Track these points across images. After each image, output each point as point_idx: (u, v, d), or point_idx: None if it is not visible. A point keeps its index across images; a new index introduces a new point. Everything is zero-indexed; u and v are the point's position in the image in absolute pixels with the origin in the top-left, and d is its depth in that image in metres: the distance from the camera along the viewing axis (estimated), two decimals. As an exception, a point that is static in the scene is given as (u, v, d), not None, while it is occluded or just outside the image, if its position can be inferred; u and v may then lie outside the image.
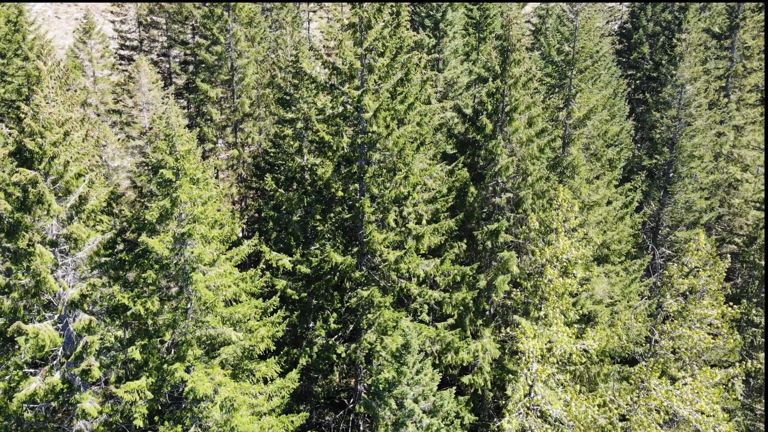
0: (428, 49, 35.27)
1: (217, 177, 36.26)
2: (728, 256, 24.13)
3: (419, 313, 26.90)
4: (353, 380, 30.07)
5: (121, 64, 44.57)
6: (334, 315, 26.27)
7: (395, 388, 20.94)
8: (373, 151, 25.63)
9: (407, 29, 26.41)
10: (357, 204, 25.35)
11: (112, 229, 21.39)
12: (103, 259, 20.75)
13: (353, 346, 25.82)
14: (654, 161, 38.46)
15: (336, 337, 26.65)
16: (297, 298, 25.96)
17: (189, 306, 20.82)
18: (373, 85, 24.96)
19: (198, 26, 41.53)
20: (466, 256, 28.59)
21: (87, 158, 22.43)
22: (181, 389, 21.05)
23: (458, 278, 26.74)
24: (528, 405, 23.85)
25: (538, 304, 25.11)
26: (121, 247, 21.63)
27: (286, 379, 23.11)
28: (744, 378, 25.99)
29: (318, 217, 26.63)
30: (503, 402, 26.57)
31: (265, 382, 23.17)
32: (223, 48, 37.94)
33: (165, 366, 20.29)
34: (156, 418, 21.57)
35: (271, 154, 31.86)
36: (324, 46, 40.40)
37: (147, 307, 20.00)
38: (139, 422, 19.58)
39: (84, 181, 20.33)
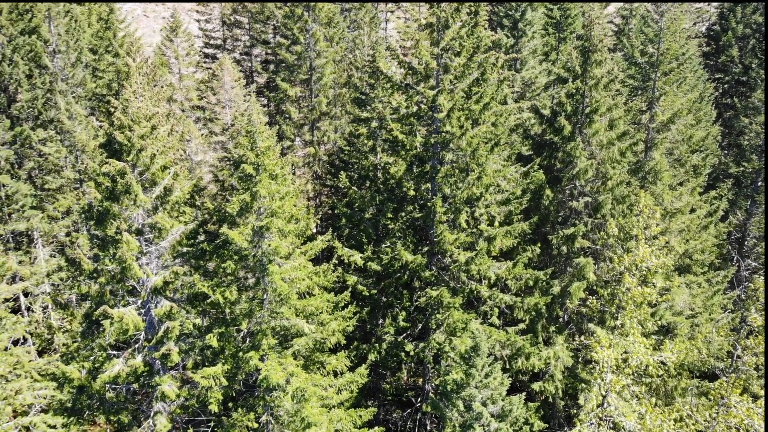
0: (506, 48, 34.82)
1: (293, 173, 36.96)
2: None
3: (489, 316, 26.59)
4: (421, 379, 30.06)
5: (205, 62, 46.13)
6: (403, 313, 26.33)
7: (463, 389, 20.79)
8: (446, 151, 25.53)
9: (485, 29, 26.17)
10: (428, 203, 25.31)
11: (194, 220, 22.19)
12: (185, 249, 21.53)
13: (422, 345, 25.80)
14: (741, 169, 36.68)
15: (405, 335, 26.70)
16: (367, 294, 26.17)
17: (265, 297, 21.34)
18: (448, 84, 24.87)
19: (279, 26, 42.48)
20: (539, 261, 28.04)
21: (172, 152, 23.35)
22: (254, 377, 21.60)
23: (531, 283, 26.28)
24: (600, 416, 23.17)
25: (614, 313, 24.38)
26: (202, 237, 22.39)
27: (355, 373, 23.35)
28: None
29: (389, 215, 26.75)
30: (574, 411, 25.93)
31: (335, 375, 23.48)
32: (303, 48, 38.67)
33: (240, 354, 20.88)
34: (230, 404, 22.23)
35: (346, 153, 32.25)
36: (400, 46, 40.51)
37: (225, 296, 20.62)
38: (214, 407, 20.23)
39: (169, 173, 21.15)
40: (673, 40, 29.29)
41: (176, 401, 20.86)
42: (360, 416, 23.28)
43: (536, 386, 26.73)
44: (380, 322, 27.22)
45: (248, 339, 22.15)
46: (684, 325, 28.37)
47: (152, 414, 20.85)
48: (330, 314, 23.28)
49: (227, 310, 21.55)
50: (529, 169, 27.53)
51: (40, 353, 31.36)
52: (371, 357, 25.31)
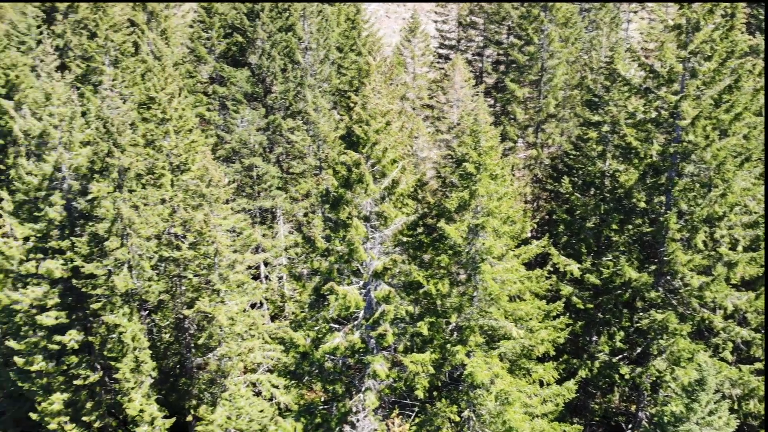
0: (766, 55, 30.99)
1: (513, 175, 36.74)
2: None
3: (720, 350, 24.06)
4: (634, 406, 28.18)
5: (438, 62, 47.65)
6: (621, 333, 24.86)
7: (682, 424, 19.12)
8: (687, 163, 23.51)
9: (741, 32, 23.61)
10: (661, 218, 23.53)
11: (415, 212, 23.16)
12: (404, 239, 22.58)
13: (639, 370, 24.17)
14: None
15: (620, 356, 25.20)
16: (582, 307, 25.15)
17: (475, 294, 21.58)
18: (694, 90, 22.88)
19: (513, 26, 42.35)
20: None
21: (401, 147, 24.55)
22: (459, 372, 21.97)
23: (775, 318, 23.23)
24: None
25: None
26: (420, 230, 23.28)
27: (562, 387, 22.62)
28: None
29: (614, 226, 25.37)
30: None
31: (541, 384, 22.97)
32: (536, 48, 38.14)
33: (448, 346, 21.38)
34: (434, 393, 22.89)
35: (571, 157, 31.21)
36: (642, 48, 38.07)
37: (438, 288, 21.24)
38: (419, 393, 21.00)
39: (397, 166, 22.27)
40: None
41: (385, 381, 22.00)
42: (564, 431, 22.52)
43: (770, 435, 23.62)
44: (594, 338, 26.01)
45: (456, 333, 22.57)
46: None
47: (363, 389, 22.23)
48: (540, 322, 22.80)
49: (438, 302, 22.15)
50: (786, 191, 24.28)
51: (272, 318, 35.07)
52: (581, 373, 24.31)
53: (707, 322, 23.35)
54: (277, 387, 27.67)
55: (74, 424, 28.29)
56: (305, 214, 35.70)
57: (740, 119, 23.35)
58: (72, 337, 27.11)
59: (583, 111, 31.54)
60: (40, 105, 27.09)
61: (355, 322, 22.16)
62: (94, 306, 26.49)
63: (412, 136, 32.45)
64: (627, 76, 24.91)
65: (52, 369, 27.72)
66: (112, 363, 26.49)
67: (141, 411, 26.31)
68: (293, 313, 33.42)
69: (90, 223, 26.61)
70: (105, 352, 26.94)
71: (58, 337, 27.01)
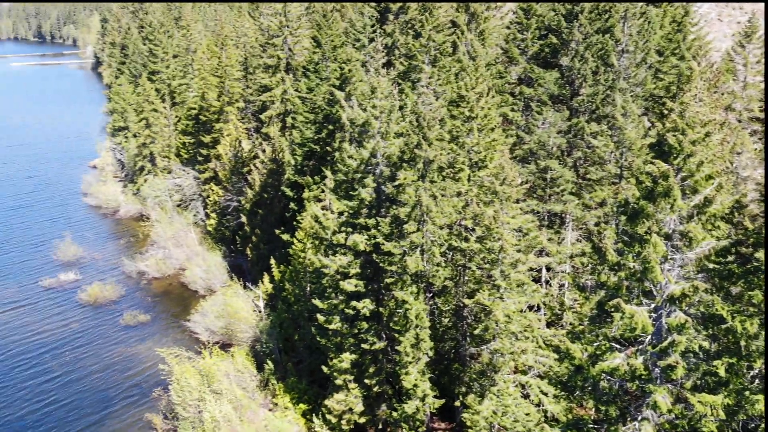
0: None
1: None
2: None
3: None
4: None
5: (776, 71, 41.51)
6: None
7: None
8: None
9: None
10: None
11: (727, 237, 20.63)
12: (710, 265, 20.28)
13: None
14: None
15: None
16: None
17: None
18: None
19: None
20: None
21: (719, 162, 21.99)
22: (755, 424, 19.16)
23: None
24: None
25: None
26: (732, 258, 20.67)
27: None
28: None
29: None
30: None
31: None
32: None
33: (747, 393, 18.77)
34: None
35: None
36: None
37: (745, 327, 18.70)
38: (704, 437, 18.86)
39: (712, 183, 20.04)
40: None
41: (666, 415, 20.16)
42: None
43: None
44: None
45: (757, 380, 19.65)
46: None
47: (640, 418, 20.69)
48: None
49: (743, 343, 19.50)
50: None
51: (548, 324, 34.50)
52: None
53: None
54: (546, 394, 27.25)
55: (357, 384, 31.49)
56: (597, 224, 34.24)
57: None
58: (366, 305, 30.12)
59: None
60: (366, 97, 30.34)
61: (640, 347, 20.65)
62: (388, 280, 29.04)
63: (734, 152, 28.88)
64: None
65: (345, 330, 31.14)
66: (396, 335, 28.78)
67: (415, 386, 28.17)
68: (571, 323, 32.46)
69: (394, 207, 29.13)
70: (391, 324, 29.37)
71: (354, 303, 30.23)
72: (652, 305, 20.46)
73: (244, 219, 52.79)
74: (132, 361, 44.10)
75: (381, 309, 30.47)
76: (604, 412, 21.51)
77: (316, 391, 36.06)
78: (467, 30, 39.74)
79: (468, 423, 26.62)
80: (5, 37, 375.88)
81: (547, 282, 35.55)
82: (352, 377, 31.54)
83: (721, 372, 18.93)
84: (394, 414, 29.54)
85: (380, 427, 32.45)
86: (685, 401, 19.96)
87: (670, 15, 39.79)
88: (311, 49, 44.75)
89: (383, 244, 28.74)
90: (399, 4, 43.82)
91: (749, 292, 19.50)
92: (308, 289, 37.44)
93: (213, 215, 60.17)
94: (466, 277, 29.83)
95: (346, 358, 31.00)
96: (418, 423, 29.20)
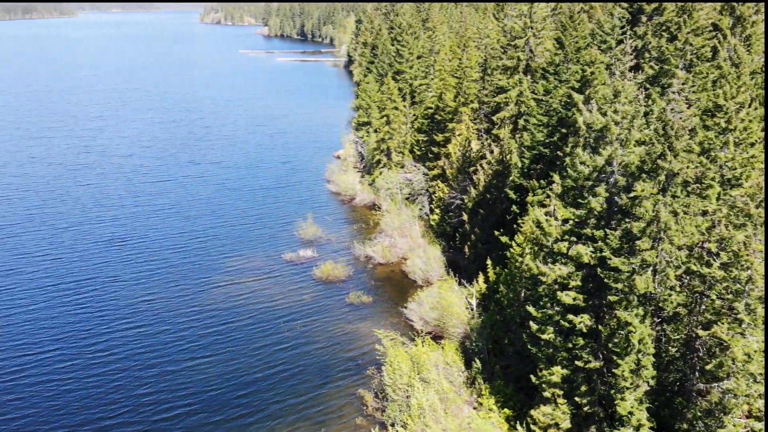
0: None
1: None
2: None
3: None
4: None
5: None
6: None
7: None
8: None
9: None
10: None
11: None
12: None
13: None
14: None
15: None
16: None
17: None
18: None
19: None
20: None
21: None
22: None
23: None
24: None
25: None
26: None
27: None
28: None
29: None
30: None
31: None
32: None
33: None
34: None
35: None
36: None
37: None
38: None
39: None
40: None
41: None
42: None
43: None
44: None
45: None
46: None
47: None
48: None
49: None
50: None
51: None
52: None
53: None
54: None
55: (565, 401, 30.25)
56: None
57: None
58: (583, 321, 28.76)
59: None
60: (606, 101, 28.82)
61: None
62: (611, 298, 27.39)
63: None
64: None
65: (558, 343, 30.05)
66: (614, 357, 27.08)
67: (630, 413, 26.29)
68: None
69: (626, 220, 27.36)
70: (610, 345, 27.70)
71: (571, 317, 29.03)
72: None
73: (465, 217, 53.56)
74: (352, 338, 47.31)
75: (600, 327, 28.87)
76: None
77: (522, 398, 35.41)
78: (731, 34, 35.78)
79: (687, 465, 24.19)
80: (273, 34, 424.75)
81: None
82: (561, 392, 30.39)
83: None
84: (603, 439, 27.90)
85: (586, 449, 30.85)
86: None
87: None
88: (553, 51, 43.73)
89: (610, 258, 27.16)
90: (654, 5, 40.90)
91: None
92: (523, 294, 36.82)
93: (437, 211, 61.99)
94: (703, 306, 26.97)
95: (557, 372, 29.94)
96: (628, 453, 27.24)
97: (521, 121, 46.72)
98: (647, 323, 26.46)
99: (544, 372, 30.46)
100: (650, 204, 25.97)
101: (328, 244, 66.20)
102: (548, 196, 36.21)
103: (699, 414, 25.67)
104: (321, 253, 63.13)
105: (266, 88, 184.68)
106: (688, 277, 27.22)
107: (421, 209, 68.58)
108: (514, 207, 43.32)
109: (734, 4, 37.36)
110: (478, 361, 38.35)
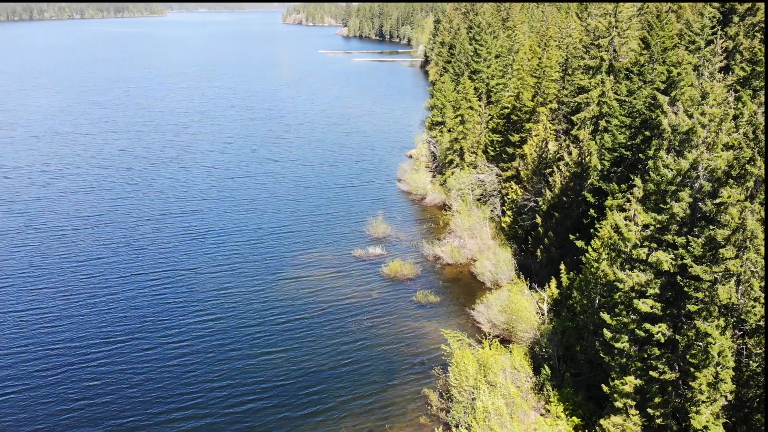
0: None
1: None
2: None
3: None
4: None
5: None
6: None
7: None
8: None
9: None
10: None
11: None
12: None
13: None
14: None
15: None
16: None
17: None
18: None
19: None
20: None
21: None
22: None
23: None
24: None
25: None
26: None
27: None
28: None
29: None
30: None
31: None
32: None
33: None
34: None
35: None
36: None
37: None
38: None
39: None
40: None
41: None
42: None
43: None
44: None
45: None
46: None
47: None
48: None
49: None
50: None
51: None
52: None
53: None
54: None
55: (637, 411, 29.19)
56: None
57: None
58: (660, 330, 27.66)
59: None
60: (693, 103, 27.60)
61: None
62: (690, 308, 26.23)
63: None
64: None
65: (633, 352, 29.02)
66: (691, 369, 25.92)
67: (705, 428, 25.10)
68: None
69: (710, 227, 26.13)
70: (687, 356, 26.53)
71: (647, 326, 27.98)
72: None
73: (538, 220, 52.51)
74: (418, 337, 47.29)
75: (678, 337, 27.68)
76: None
77: (592, 407, 34.41)
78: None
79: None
80: (352, 35, 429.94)
81: None
82: (633, 402, 29.35)
83: None
84: (677, 454, 26.74)
85: (658, 464, 29.67)
86: None
87: None
88: (638, 51, 42.24)
89: (691, 266, 26.00)
90: (747, 5, 38.86)
91: None
92: (597, 301, 35.76)
93: (509, 213, 61.07)
94: (792, 321, 25.43)
95: (630, 382, 28.93)
96: (703, 470, 26.00)
97: (602, 122, 45.39)
98: (728, 335, 25.18)
99: (617, 381, 29.50)
100: (736, 211, 24.71)
101: (397, 242, 66.42)
102: (628, 201, 35.04)
103: (783, 435, 24.22)
104: (390, 251, 63.39)
105: (343, 87, 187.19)
106: (775, 290, 25.71)
107: (492, 211, 67.76)
108: (591, 211, 42.13)
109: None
110: (547, 367, 37.53)
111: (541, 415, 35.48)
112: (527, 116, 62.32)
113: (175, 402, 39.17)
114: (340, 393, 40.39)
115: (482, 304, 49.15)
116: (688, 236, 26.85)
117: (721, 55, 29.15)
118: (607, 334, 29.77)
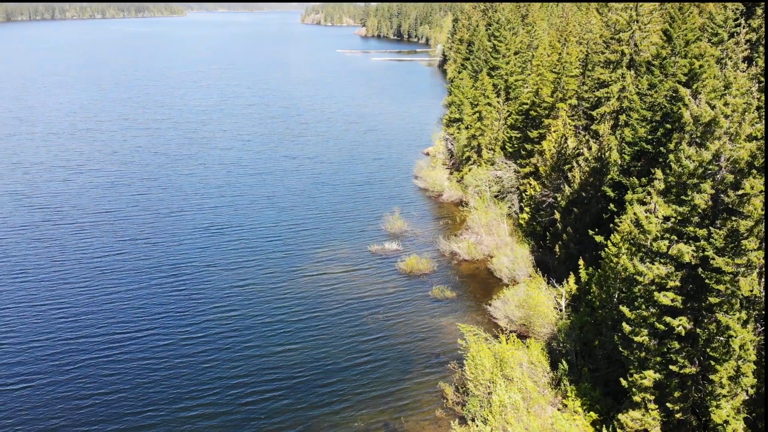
0: None
1: None
2: None
3: None
4: None
5: None
6: None
7: None
8: None
9: None
10: None
11: None
12: None
13: None
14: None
15: None
16: None
17: None
18: None
19: None
20: None
21: None
22: None
23: None
24: None
25: None
26: None
27: None
28: None
29: None
30: None
31: None
32: None
33: None
34: None
35: None
36: None
37: None
38: None
39: None
40: None
41: None
42: None
43: None
44: None
45: None
46: None
47: None
48: None
49: None
50: None
51: None
52: None
53: None
54: None
55: (656, 406, 28.81)
56: None
57: None
58: (681, 323, 27.27)
59: None
60: (716, 94, 27.22)
61: None
62: (712, 300, 25.80)
63: None
64: None
65: (652, 346, 28.63)
66: (712, 363, 25.52)
67: (725, 422, 24.70)
68: None
69: (732, 218, 25.68)
70: (708, 350, 26.12)
71: (668, 319, 27.59)
72: None
73: (557, 216, 52.09)
74: (434, 331, 47.12)
75: (699, 330, 27.25)
76: None
77: (610, 402, 34.02)
78: None
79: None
80: (370, 35, 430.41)
81: None
82: (652, 397, 28.97)
83: None
84: (697, 449, 26.34)
85: (677, 459, 29.25)
86: None
87: None
88: (660, 44, 41.73)
89: (713, 258, 25.58)
90: (774, -4, 38.23)
91: None
92: (616, 296, 35.35)
93: (527, 209, 60.66)
94: (816, 315, 24.92)
95: (649, 376, 28.55)
96: (724, 466, 25.57)
97: (623, 117, 44.90)
98: (750, 328, 24.73)
99: (636, 376, 29.12)
100: (760, 202, 24.25)
101: (413, 238, 66.28)
102: (649, 194, 34.60)
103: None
104: (406, 247, 63.27)
105: (360, 86, 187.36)
106: (800, 283, 25.22)
107: (510, 207, 67.36)
108: (611, 206, 41.67)
109: None
110: (564, 362, 37.18)
111: (558, 410, 35.15)
112: (546, 112, 61.84)
113: (192, 397, 39.33)
114: (357, 387, 40.35)
115: (499, 300, 48.86)
116: (710, 228, 26.43)
117: (745, 45, 28.69)
118: (627, 327, 29.40)
